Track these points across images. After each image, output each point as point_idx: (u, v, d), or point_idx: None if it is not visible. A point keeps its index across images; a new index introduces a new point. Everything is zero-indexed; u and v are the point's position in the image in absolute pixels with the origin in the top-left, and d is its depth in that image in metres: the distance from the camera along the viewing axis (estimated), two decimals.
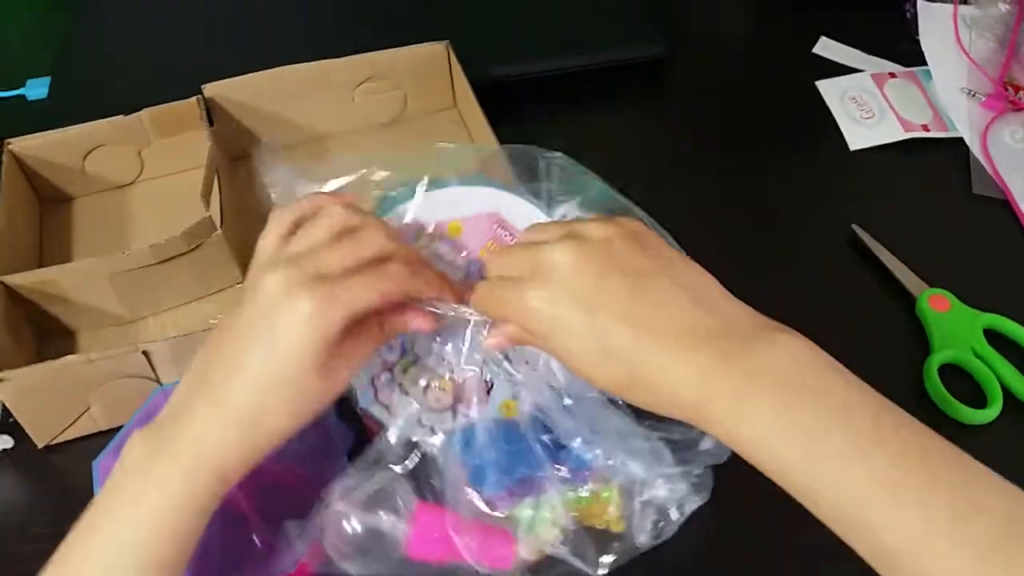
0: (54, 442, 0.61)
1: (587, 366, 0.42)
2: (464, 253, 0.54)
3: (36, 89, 0.84)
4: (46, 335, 0.65)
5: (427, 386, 0.52)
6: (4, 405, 0.60)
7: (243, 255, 0.70)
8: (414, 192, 0.54)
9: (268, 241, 0.47)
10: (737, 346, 0.40)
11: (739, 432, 0.39)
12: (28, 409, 0.59)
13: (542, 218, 0.55)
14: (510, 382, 0.52)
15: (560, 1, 0.88)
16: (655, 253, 0.44)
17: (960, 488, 0.36)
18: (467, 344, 0.51)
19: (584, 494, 0.50)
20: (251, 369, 0.41)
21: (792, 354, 0.40)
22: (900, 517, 0.35)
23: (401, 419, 0.51)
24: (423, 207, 0.54)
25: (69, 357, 0.57)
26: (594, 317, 0.41)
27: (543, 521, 0.50)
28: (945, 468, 0.37)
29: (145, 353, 0.58)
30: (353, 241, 0.44)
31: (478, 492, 0.48)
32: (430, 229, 0.54)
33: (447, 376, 0.52)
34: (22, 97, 0.84)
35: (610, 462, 0.49)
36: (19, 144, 0.70)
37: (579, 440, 0.49)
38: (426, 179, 0.55)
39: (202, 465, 0.41)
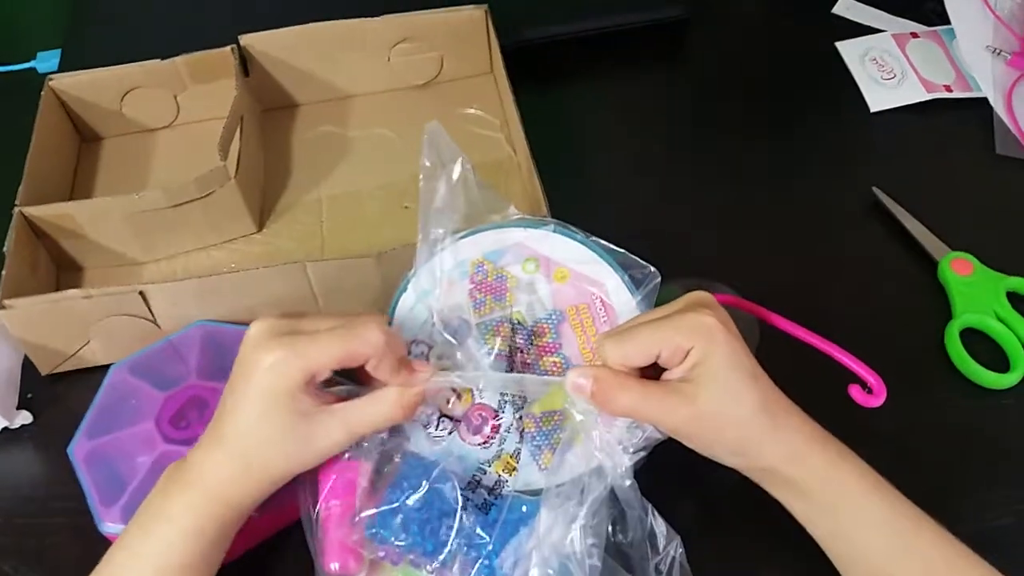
0: (57, 370, 0.63)
1: (727, 392, 0.46)
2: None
3: (47, 62, 0.84)
4: (66, 268, 0.68)
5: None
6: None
7: (260, 204, 0.71)
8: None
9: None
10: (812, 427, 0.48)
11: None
12: (32, 337, 0.61)
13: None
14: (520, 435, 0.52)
15: None
16: None
17: None
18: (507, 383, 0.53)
19: None
20: (235, 414, 0.47)
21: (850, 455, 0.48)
22: None
23: None
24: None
25: (68, 291, 0.59)
26: (757, 380, 0.47)
27: None
28: None
29: (142, 294, 0.59)
30: (337, 314, 0.49)
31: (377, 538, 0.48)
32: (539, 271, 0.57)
33: (474, 388, 0.53)
34: (33, 70, 0.84)
35: None
36: (59, 80, 0.72)
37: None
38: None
39: (206, 495, 0.47)
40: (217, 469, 0.47)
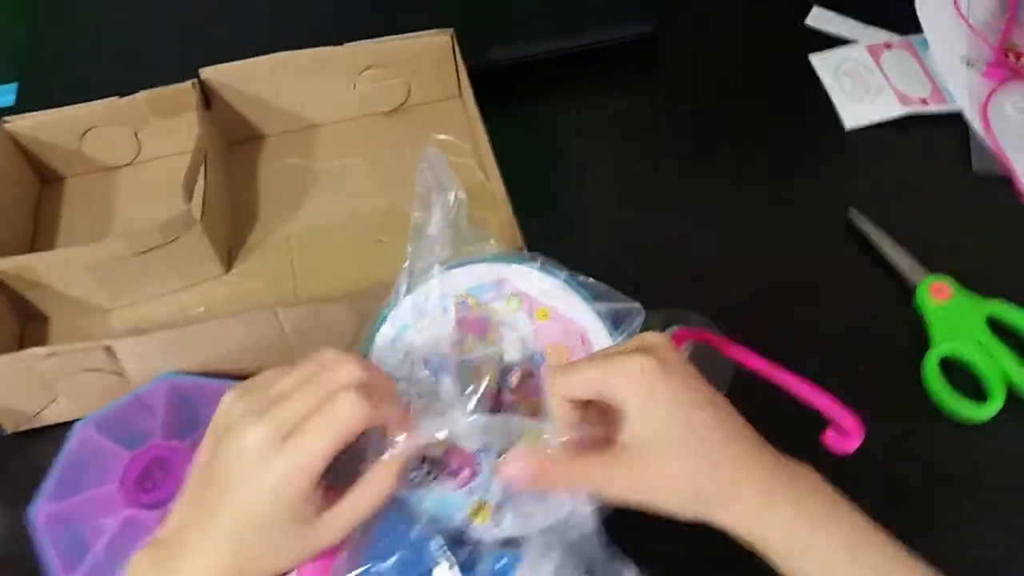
0: (24, 428, 0.61)
1: (666, 442, 0.44)
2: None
3: (3, 96, 0.82)
4: (30, 319, 0.66)
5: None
6: None
7: (227, 245, 0.70)
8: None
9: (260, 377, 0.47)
10: (783, 471, 0.45)
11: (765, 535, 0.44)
12: None
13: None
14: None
15: None
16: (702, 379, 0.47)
17: None
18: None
19: None
20: (232, 522, 0.43)
21: (817, 491, 0.45)
22: None
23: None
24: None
25: (31, 350, 0.57)
26: (689, 391, 0.44)
27: None
28: None
29: (109, 348, 0.58)
30: (315, 385, 0.45)
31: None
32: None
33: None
34: None
35: None
36: (15, 123, 0.70)
37: None
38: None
39: None
40: (208, 569, 0.43)
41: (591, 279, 0.55)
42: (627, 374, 0.44)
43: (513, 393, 0.54)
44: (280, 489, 0.42)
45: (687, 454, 0.44)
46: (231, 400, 0.46)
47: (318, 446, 0.43)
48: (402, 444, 0.47)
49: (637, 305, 0.53)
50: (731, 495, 0.44)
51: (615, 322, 0.55)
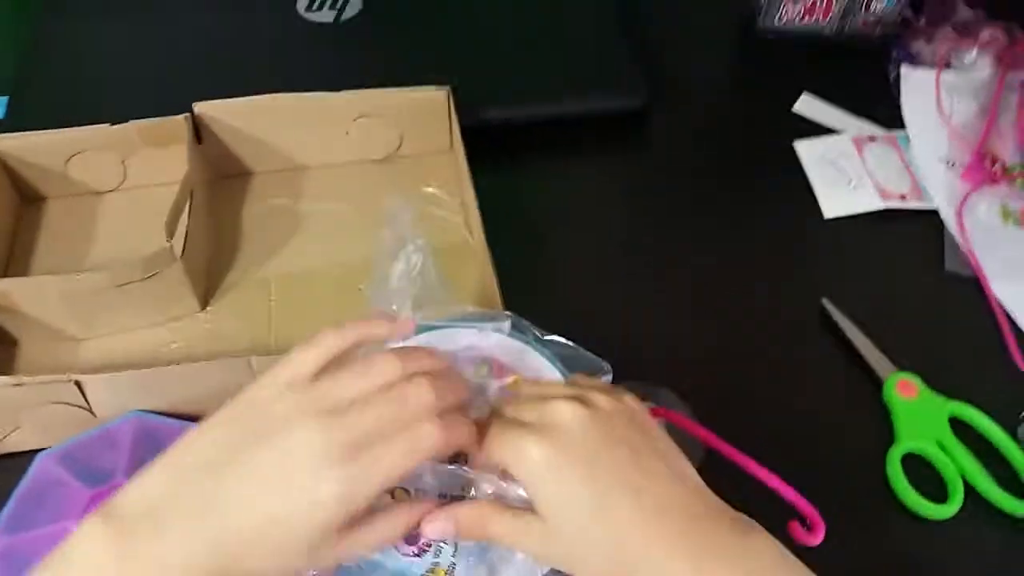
0: None
1: (567, 523, 0.42)
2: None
3: None
4: None
5: None
6: None
7: (205, 282, 0.69)
8: None
9: (300, 368, 0.43)
10: (722, 539, 0.42)
11: None
12: None
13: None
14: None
15: (545, 49, 0.86)
16: (650, 434, 0.46)
17: None
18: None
19: None
20: (250, 523, 0.39)
21: (763, 555, 0.43)
22: None
23: None
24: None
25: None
26: (595, 476, 0.42)
27: None
28: None
29: (78, 384, 0.57)
30: (395, 402, 0.42)
31: None
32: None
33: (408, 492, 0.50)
34: None
35: None
36: (3, 141, 0.70)
37: None
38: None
39: None
40: (185, 562, 0.38)
41: (561, 339, 0.56)
42: (517, 459, 0.43)
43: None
44: (331, 504, 0.38)
45: (592, 534, 0.42)
46: (274, 391, 0.41)
47: (396, 472, 0.40)
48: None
49: (606, 365, 0.54)
50: (655, 565, 0.42)
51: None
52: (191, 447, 0.41)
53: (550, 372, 0.55)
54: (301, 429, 0.39)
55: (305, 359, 0.43)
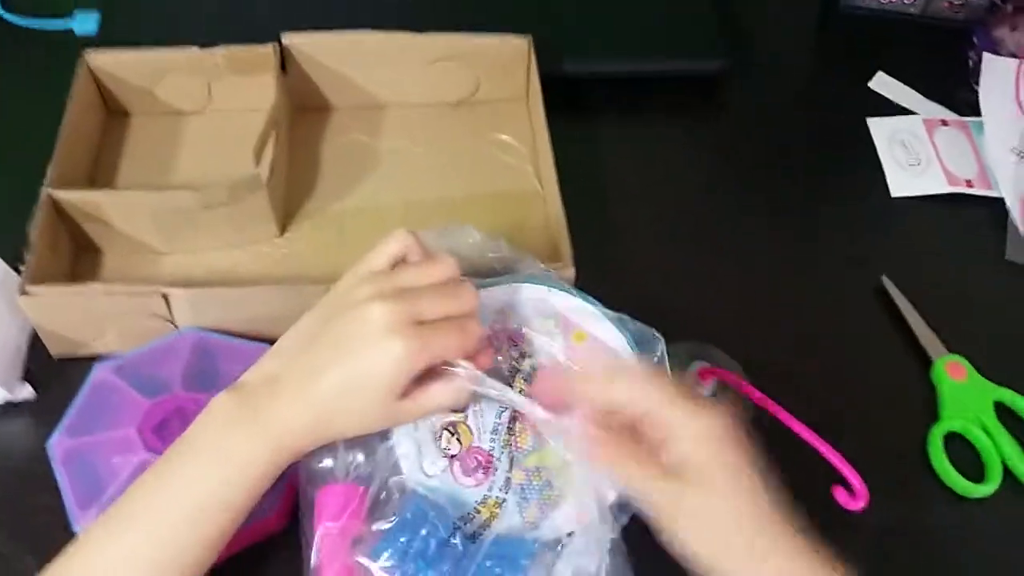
0: (69, 356, 0.63)
1: (714, 483, 0.46)
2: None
3: (85, 23, 0.81)
4: (84, 249, 0.68)
5: (447, 425, 0.54)
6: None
7: (284, 209, 0.71)
8: None
9: (377, 262, 0.52)
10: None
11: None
12: (48, 324, 0.61)
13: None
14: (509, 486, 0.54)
15: (630, 4, 0.86)
16: None
17: None
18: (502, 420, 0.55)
19: None
20: (336, 380, 0.48)
21: None
22: None
23: (403, 434, 0.53)
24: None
25: (93, 286, 0.59)
26: (745, 468, 0.47)
27: None
28: None
29: (165, 296, 0.60)
30: (451, 296, 0.51)
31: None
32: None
33: (471, 428, 0.54)
34: (70, 32, 0.82)
35: None
36: (97, 57, 0.72)
37: None
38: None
39: (276, 442, 0.48)
40: (293, 420, 0.48)
41: (610, 311, 0.58)
42: (697, 416, 0.47)
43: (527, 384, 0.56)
44: (398, 362, 0.47)
45: (734, 496, 0.46)
46: (355, 281, 0.51)
47: (451, 345, 0.49)
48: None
49: (656, 334, 0.57)
50: (758, 556, 0.46)
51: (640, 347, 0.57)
52: (294, 333, 0.52)
53: (616, 335, 0.58)
54: (378, 305, 0.48)
55: (380, 256, 0.52)
